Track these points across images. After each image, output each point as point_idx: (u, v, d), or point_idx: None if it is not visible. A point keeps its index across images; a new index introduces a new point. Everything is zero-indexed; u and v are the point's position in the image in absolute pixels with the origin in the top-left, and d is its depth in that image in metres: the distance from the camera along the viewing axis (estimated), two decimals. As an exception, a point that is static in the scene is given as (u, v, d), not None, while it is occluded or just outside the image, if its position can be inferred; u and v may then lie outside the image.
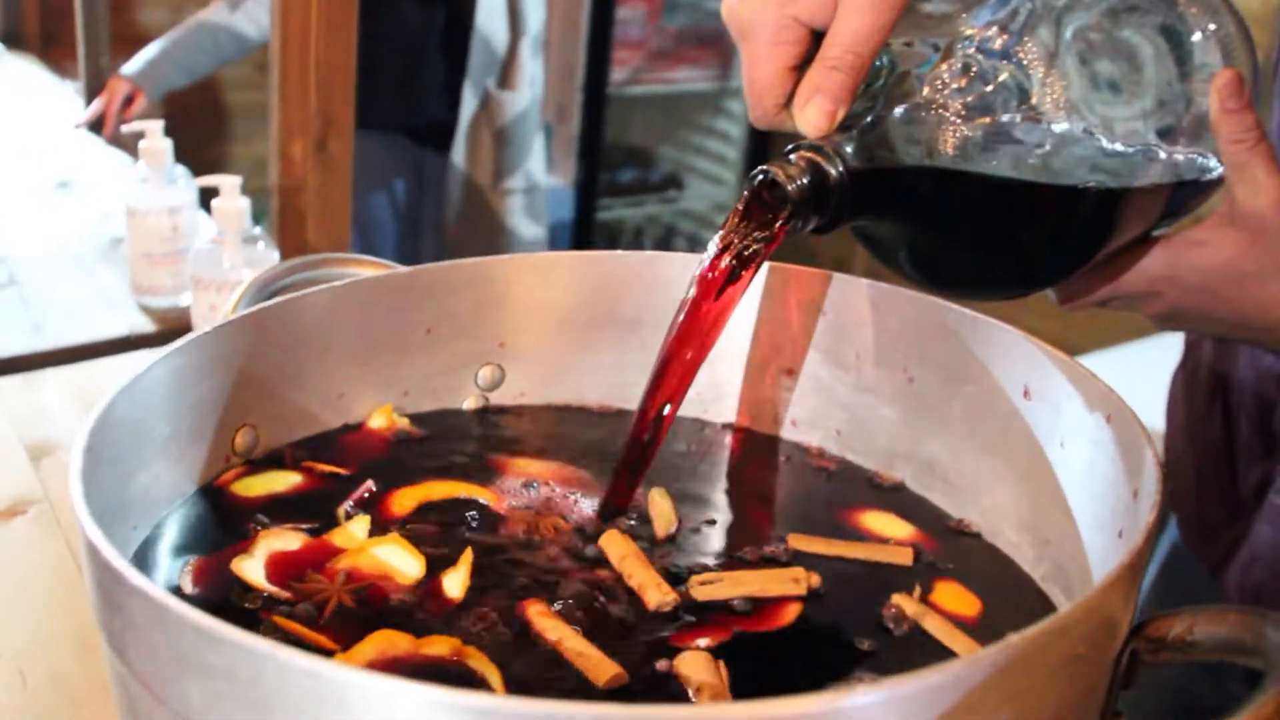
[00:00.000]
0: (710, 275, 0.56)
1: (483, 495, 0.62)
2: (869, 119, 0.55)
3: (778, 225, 0.55)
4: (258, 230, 1.19)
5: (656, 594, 0.52)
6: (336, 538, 0.56)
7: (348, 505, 0.60)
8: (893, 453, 0.67)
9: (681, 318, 0.57)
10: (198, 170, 1.38)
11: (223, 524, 0.58)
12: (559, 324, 0.73)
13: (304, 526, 0.57)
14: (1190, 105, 0.60)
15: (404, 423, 0.69)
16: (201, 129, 2.99)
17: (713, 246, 0.57)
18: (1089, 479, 0.53)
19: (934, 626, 0.51)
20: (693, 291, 0.57)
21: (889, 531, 0.61)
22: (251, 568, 0.53)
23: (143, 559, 0.55)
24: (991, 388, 0.61)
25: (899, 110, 0.55)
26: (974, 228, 0.59)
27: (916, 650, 0.51)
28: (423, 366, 0.71)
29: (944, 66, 0.55)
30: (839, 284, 0.67)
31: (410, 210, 2.29)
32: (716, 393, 0.73)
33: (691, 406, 0.72)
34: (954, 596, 0.55)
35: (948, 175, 0.55)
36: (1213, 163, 0.60)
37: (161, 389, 0.57)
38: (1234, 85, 0.59)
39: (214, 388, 0.61)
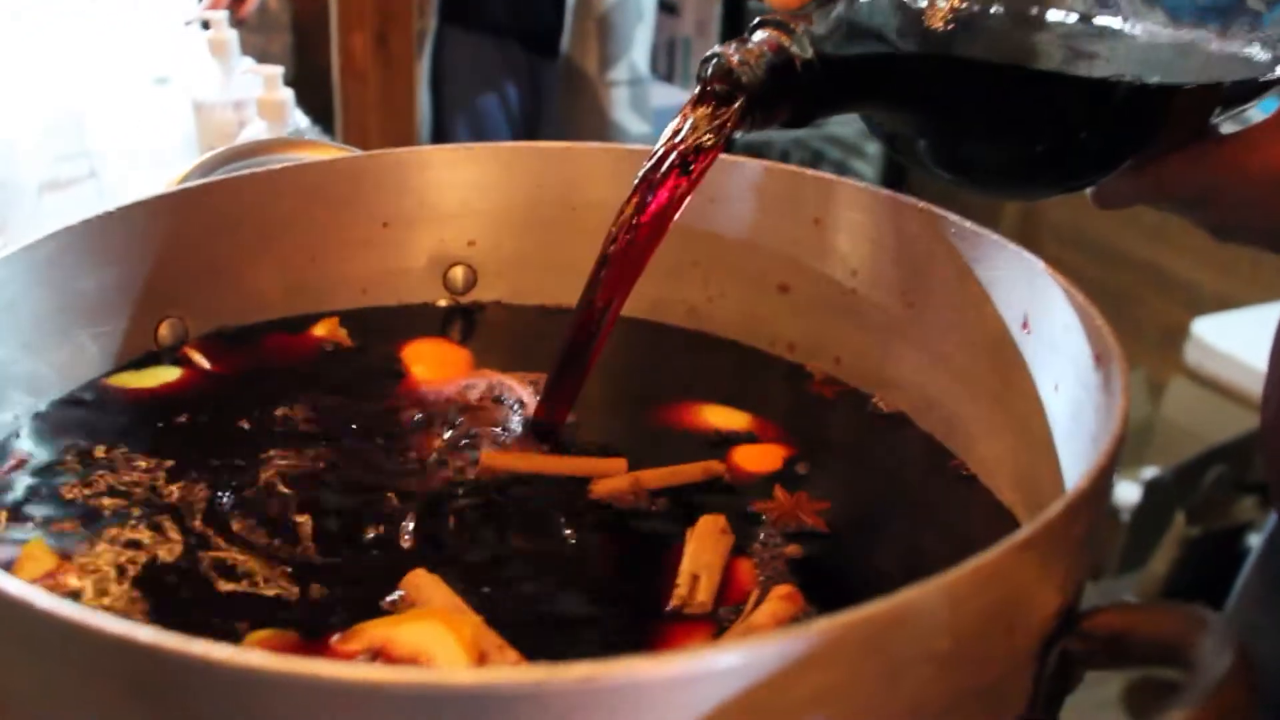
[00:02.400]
0: (652, 179, 0.49)
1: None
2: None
3: (728, 121, 0.47)
4: (305, 124, 1.14)
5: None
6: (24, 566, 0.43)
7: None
8: (893, 385, 0.58)
9: (623, 217, 0.50)
10: (321, 74, 1.34)
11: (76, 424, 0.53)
12: (535, 220, 0.65)
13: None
14: None
15: (342, 334, 0.62)
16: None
17: (660, 143, 0.49)
18: (1076, 430, 0.44)
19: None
20: (634, 192, 0.49)
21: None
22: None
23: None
24: (991, 316, 0.51)
25: None
26: (983, 122, 0.49)
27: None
28: (380, 263, 0.64)
29: None
30: (835, 189, 0.58)
31: (524, 113, 2.24)
32: (710, 307, 0.64)
33: (680, 315, 0.64)
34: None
35: (954, 62, 0.45)
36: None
37: (43, 275, 0.51)
38: None
39: (121, 275, 0.56)
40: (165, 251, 0.58)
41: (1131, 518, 2.34)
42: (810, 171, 0.59)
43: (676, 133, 0.48)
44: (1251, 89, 0.49)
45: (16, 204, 1.39)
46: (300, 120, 1.13)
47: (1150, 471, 2.34)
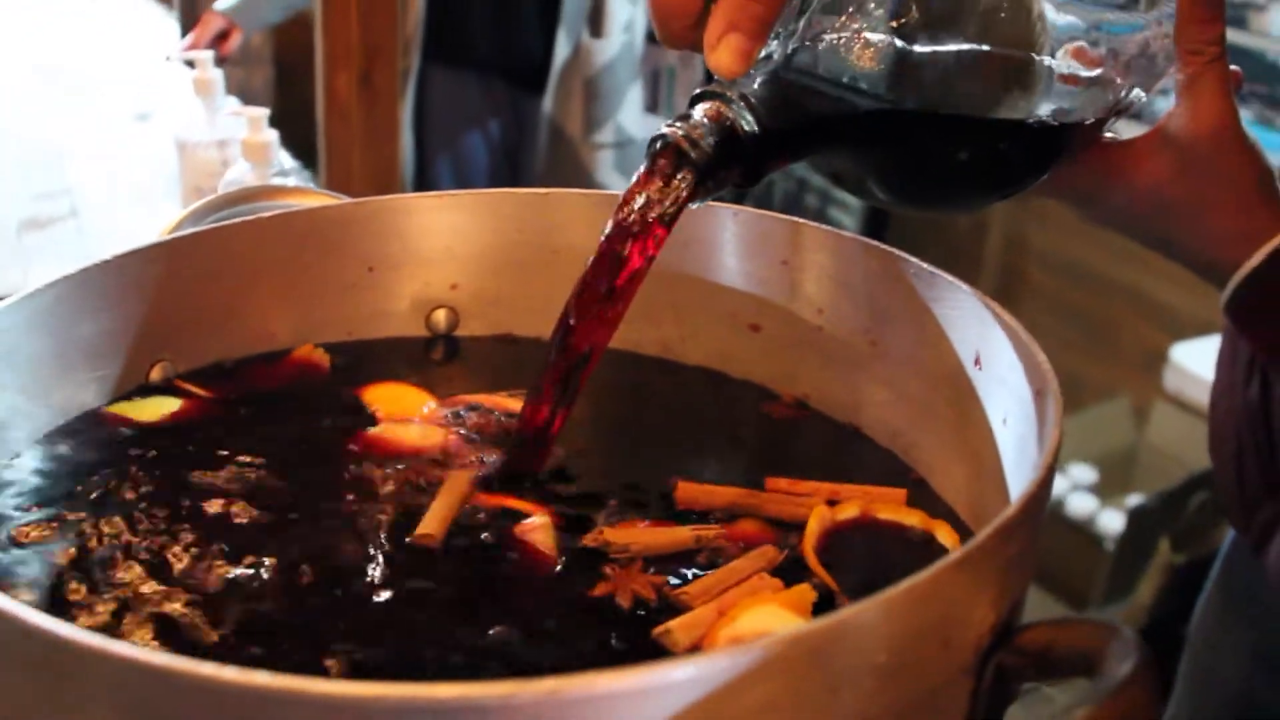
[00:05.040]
0: (612, 254, 0.50)
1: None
2: (788, 48, 0.48)
3: (681, 197, 0.48)
4: (290, 165, 1.17)
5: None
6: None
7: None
8: (859, 417, 0.60)
9: (586, 290, 0.51)
10: (303, 108, 1.37)
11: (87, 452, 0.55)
12: (516, 265, 0.68)
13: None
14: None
15: (319, 353, 0.64)
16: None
17: (614, 219, 0.50)
18: (1021, 461, 0.47)
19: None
20: (594, 269, 0.51)
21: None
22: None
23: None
24: (948, 354, 0.54)
25: (823, 36, 0.48)
26: (912, 160, 0.53)
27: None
28: (366, 305, 0.67)
29: None
30: (802, 232, 0.61)
31: (506, 151, 2.26)
32: (683, 346, 0.67)
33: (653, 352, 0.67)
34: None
35: (886, 113, 0.48)
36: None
37: (42, 322, 0.54)
38: None
39: (116, 320, 0.58)
40: (158, 297, 0.60)
41: (1116, 546, 2.36)
42: (778, 215, 0.62)
43: (630, 206, 0.49)
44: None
45: (-3, 242, 1.41)
46: (285, 160, 1.16)
47: (1134, 499, 2.37)
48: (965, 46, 0.49)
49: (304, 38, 2.76)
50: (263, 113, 1.12)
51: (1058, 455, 0.38)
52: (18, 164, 1.65)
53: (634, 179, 0.49)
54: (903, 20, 0.49)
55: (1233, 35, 2.37)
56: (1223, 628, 0.98)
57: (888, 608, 0.30)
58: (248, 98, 2.88)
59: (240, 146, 1.25)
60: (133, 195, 1.54)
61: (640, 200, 0.49)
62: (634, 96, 2.22)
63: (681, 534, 0.49)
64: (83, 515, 0.50)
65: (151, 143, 1.74)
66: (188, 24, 2.18)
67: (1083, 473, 2.50)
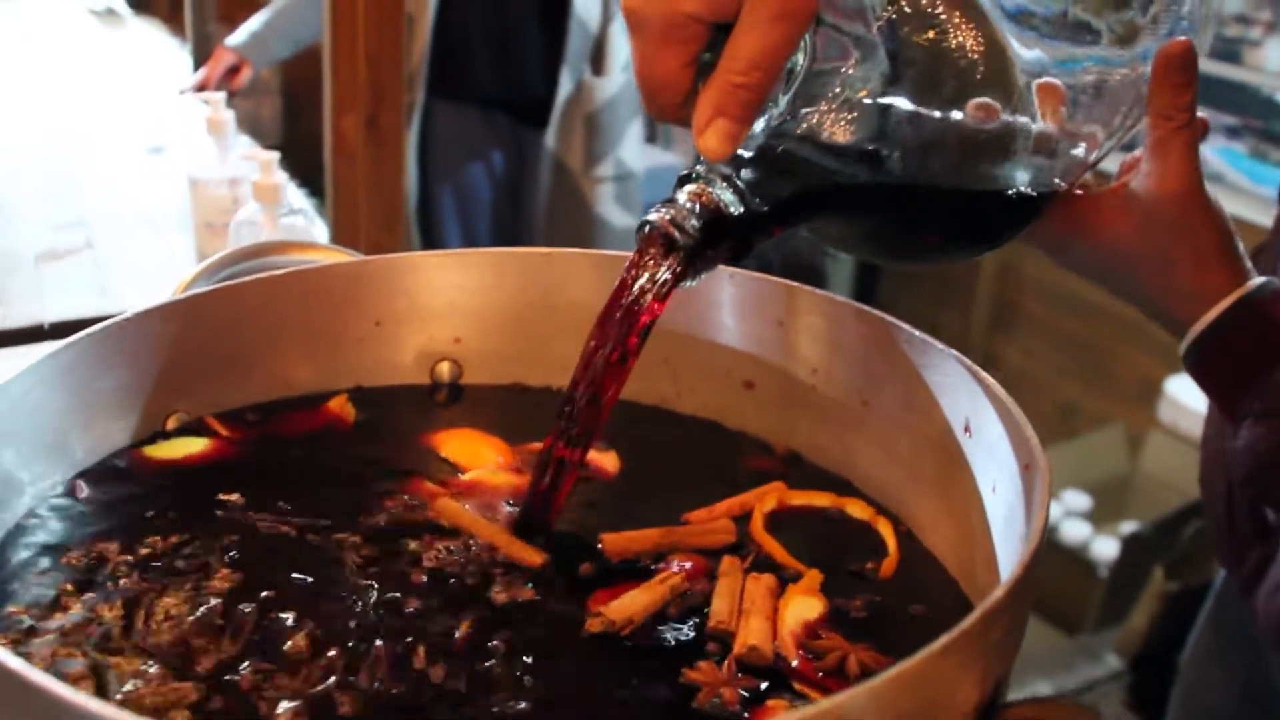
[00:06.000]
0: (607, 329, 0.52)
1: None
2: (772, 124, 0.50)
3: (671, 279, 0.50)
4: (300, 205, 1.19)
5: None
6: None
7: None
8: (853, 473, 0.62)
9: (592, 347, 0.53)
10: (311, 140, 1.39)
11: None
12: (517, 320, 0.69)
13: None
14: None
15: (349, 409, 0.66)
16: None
17: (609, 299, 0.52)
18: (1008, 532, 0.48)
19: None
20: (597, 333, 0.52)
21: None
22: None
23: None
24: (938, 419, 0.56)
25: (807, 114, 0.50)
26: (896, 226, 0.56)
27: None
28: (372, 358, 0.69)
29: (854, 64, 0.50)
30: (796, 295, 0.63)
31: (508, 186, 2.28)
32: (679, 400, 0.69)
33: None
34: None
35: (863, 185, 0.50)
36: None
37: (64, 380, 0.56)
38: (1186, 57, 0.57)
39: (133, 375, 0.60)
40: (175, 352, 0.62)
41: (1110, 573, 2.37)
42: (773, 279, 0.64)
43: (625, 289, 0.51)
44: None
45: (15, 274, 1.43)
46: (294, 199, 1.18)
47: (1129, 527, 2.38)
48: (946, 117, 0.51)
49: (312, 70, 2.79)
50: (273, 156, 1.14)
51: (1045, 535, 0.39)
52: (37, 195, 1.67)
53: (627, 263, 0.51)
54: (885, 95, 0.50)
55: (1227, 70, 2.40)
56: (1213, 661, 1.00)
57: (877, 694, 0.32)
58: (256, 129, 2.91)
59: (251, 188, 1.27)
60: (146, 229, 1.56)
61: (634, 284, 0.50)
62: (634, 131, 2.24)
63: (660, 591, 0.51)
64: (118, 569, 0.52)
65: (164, 176, 1.76)
66: (200, 57, 2.20)
67: (1077, 499, 2.52)
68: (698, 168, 0.50)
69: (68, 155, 1.85)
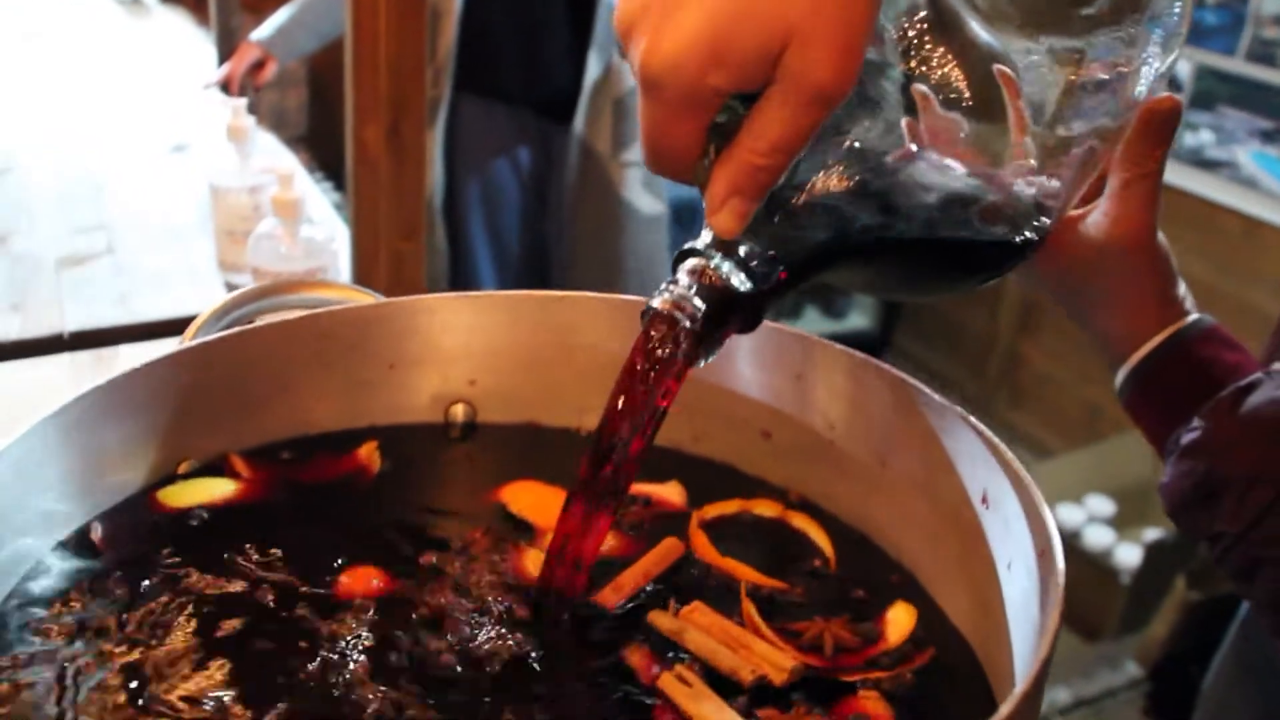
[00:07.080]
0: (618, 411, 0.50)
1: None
2: (782, 196, 0.48)
3: (681, 361, 0.49)
4: (319, 216, 1.18)
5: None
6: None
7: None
8: (868, 527, 0.61)
9: (605, 434, 0.51)
10: (336, 130, 1.38)
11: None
12: (532, 361, 0.69)
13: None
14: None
15: (375, 458, 0.66)
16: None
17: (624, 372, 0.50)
18: (1023, 616, 0.47)
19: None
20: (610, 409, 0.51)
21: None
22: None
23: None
24: (955, 486, 0.55)
25: (811, 179, 0.48)
26: (901, 274, 0.55)
27: None
28: (386, 401, 0.68)
29: (865, 124, 0.48)
30: (815, 349, 0.62)
31: (534, 181, 2.27)
32: (695, 447, 0.68)
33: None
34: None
35: (868, 243, 0.49)
36: None
37: (71, 436, 0.55)
38: (1170, 114, 0.60)
39: (142, 426, 0.60)
40: (185, 400, 0.61)
41: (1132, 580, 2.35)
42: (793, 330, 0.63)
43: (634, 372, 0.49)
44: None
45: (35, 279, 1.43)
46: (311, 211, 1.17)
47: (1152, 534, 2.36)
48: (945, 185, 0.50)
49: (338, 60, 2.79)
50: (292, 171, 1.13)
51: (1054, 645, 0.38)
52: (57, 197, 1.67)
53: (634, 344, 0.49)
54: (893, 153, 0.49)
55: (1262, 73, 2.36)
56: (1235, 691, 0.99)
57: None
58: (282, 119, 2.91)
59: (270, 203, 1.27)
60: (168, 234, 1.56)
61: (643, 367, 0.49)
62: (663, 115, 2.21)
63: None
64: (132, 616, 0.51)
65: (186, 176, 1.76)
66: (224, 48, 2.19)
67: (1100, 505, 2.50)
68: (697, 244, 0.48)
69: (89, 153, 1.85)
